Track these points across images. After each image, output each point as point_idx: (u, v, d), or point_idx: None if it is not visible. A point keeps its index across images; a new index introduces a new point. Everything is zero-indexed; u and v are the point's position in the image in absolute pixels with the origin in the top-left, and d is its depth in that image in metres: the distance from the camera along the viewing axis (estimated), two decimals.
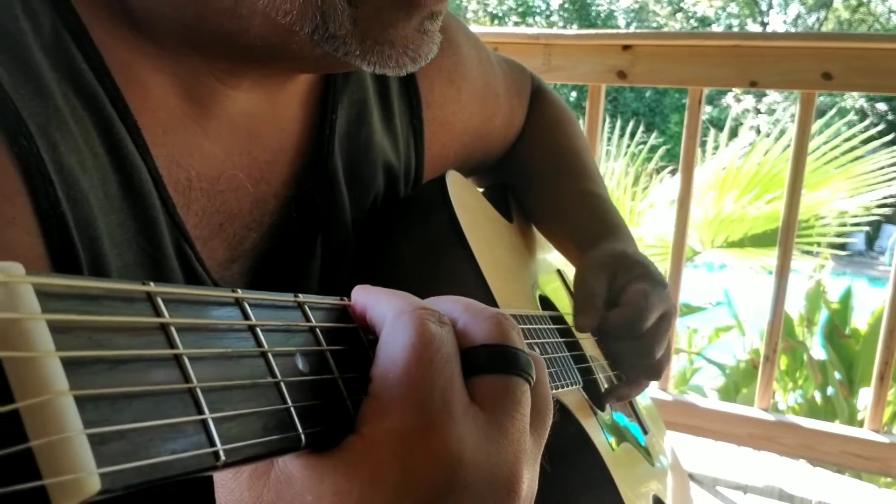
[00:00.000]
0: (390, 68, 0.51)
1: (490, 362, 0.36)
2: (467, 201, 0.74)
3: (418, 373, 0.32)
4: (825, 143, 3.54)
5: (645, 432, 0.93)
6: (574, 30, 15.09)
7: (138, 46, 0.52)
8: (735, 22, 19.52)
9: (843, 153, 3.56)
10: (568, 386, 0.68)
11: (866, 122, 4.02)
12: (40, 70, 0.46)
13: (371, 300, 0.37)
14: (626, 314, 0.77)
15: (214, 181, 0.56)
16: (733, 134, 4.24)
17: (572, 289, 0.97)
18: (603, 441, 0.75)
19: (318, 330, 0.31)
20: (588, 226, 0.90)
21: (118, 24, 0.51)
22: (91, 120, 0.48)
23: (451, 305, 0.39)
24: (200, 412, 0.22)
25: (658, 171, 4.26)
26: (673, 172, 4.11)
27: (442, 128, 0.80)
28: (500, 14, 19.46)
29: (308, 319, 0.31)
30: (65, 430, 0.18)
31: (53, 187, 0.45)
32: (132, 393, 0.20)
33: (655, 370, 0.83)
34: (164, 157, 0.53)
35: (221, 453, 0.23)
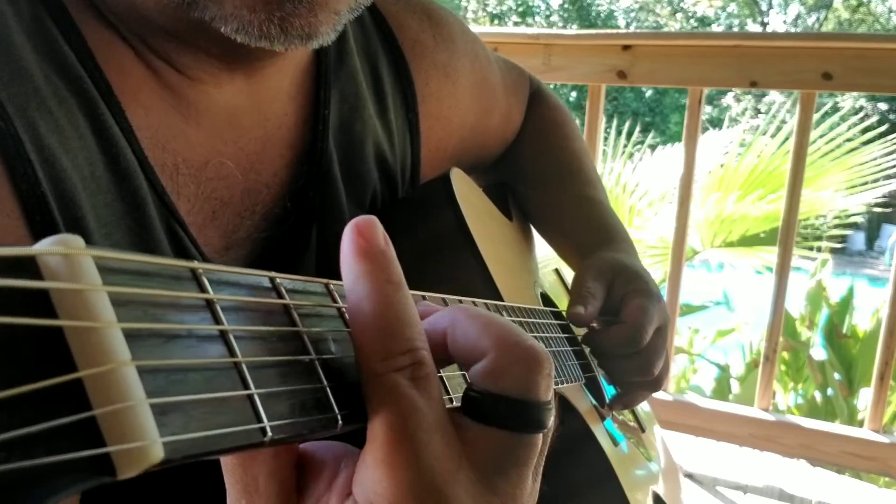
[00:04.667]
0: (256, 37, 0.48)
1: (506, 419, 0.32)
2: (471, 199, 0.74)
3: (402, 455, 0.29)
4: (821, 136, 3.54)
5: (643, 430, 0.93)
6: (574, 30, 15.09)
7: (116, 31, 0.52)
8: (735, 22, 19.54)
9: (839, 146, 3.57)
10: (570, 382, 0.69)
11: (861, 116, 4.03)
12: (20, 52, 0.46)
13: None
14: (624, 331, 0.76)
15: (201, 167, 0.57)
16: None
17: (570, 288, 0.98)
18: (605, 437, 0.75)
19: (346, 314, 0.31)
20: (586, 232, 0.90)
21: (96, 8, 0.51)
22: (75, 101, 0.49)
23: (480, 333, 0.33)
24: (247, 388, 0.23)
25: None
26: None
27: (438, 122, 0.80)
28: (500, 14, 19.46)
29: (336, 302, 0.32)
30: (129, 398, 0.18)
31: (33, 168, 0.45)
32: (185, 366, 0.21)
33: (656, 384, 0.82)
34: (149, 139, 0.53)
35: (268, 429, 0.23)
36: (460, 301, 0.45)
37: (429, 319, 0.34)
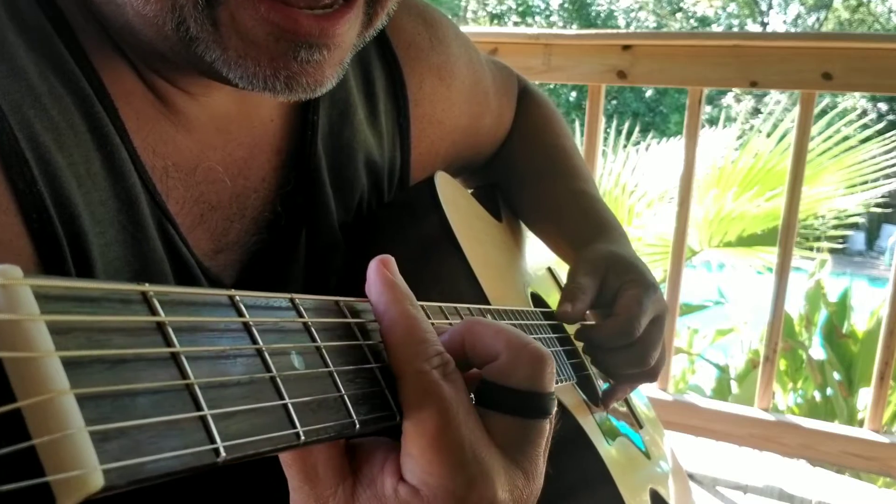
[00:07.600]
0: (260, 88, 0.48)
1: (517, 408, 0.40)
2: (457, 202, 0.74)
3: (447, 439, 0.37)
4: (819, 134, 3.53)
5: (640, 427, 0.93)
6: (574, 30, 15.09)
7: (108, 38, 0.52)
8: (735, 22, 19.51)
9: (838, 143, 3.56)
10: (562, 381, 0.69)
11: (859, 113, 4.02)
12: (14, 49, 0.47)
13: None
14: (617, 323, 0.75)
15: (191, 172, 0.57)
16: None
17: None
18: (599, 436, 0.75)
19: (311, 327, 0.32)
20: (580, 225, 0.89)
21: (89, 14, 0.52)
22: (71, 98, 0.49)
23: (493, 339, 0.41)
24: (199, 409, 0.22)
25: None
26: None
27: (431, 125, 0.79)
28: (500, 14, 19.45)
29: (301, 317, 0.32)
30: (67, 427, 0.18)
31: (28, 166, 0.45)
32: (132, 391, 0.21)
33: (652, 375, 0.81)
34: (140, 141, 0.53)
35: (221, 450, 0.23)
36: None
37: (449, 331, 0.43)
